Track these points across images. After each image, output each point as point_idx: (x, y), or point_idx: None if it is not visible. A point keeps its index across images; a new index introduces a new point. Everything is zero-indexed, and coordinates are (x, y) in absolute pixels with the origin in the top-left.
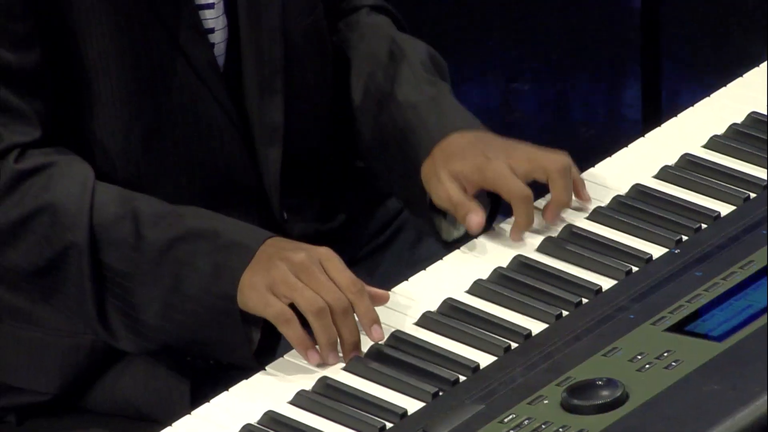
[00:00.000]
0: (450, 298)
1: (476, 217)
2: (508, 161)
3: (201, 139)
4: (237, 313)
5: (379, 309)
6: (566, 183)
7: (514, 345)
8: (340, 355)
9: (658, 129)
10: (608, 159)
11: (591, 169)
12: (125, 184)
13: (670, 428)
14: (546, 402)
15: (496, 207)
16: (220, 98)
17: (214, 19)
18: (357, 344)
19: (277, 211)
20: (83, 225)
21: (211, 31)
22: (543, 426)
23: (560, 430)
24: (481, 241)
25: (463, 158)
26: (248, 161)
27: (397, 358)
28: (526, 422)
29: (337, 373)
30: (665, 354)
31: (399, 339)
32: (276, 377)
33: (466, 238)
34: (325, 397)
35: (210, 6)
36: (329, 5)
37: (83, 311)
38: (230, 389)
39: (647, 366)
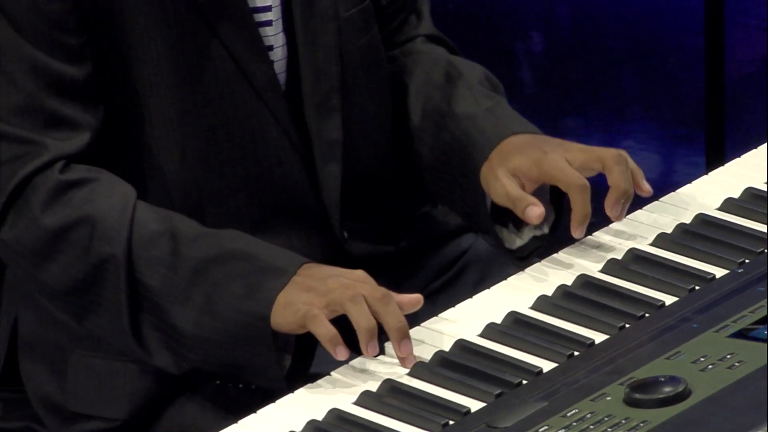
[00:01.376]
0: (514, 311)
1: (536, 209)
2: (565, 155)
3: (259, 157)
4: (269, 334)
5: (443, 323)
6: (623, 169)
7: (576, 353)
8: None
9: (721, 168)
10: (672, 193)
11: (656, 201)
12: (183, 203)
13: (730, 421)
14: (608, 398)
15: (559, 213)
16: (279, 116)
17: (273, 36)
18: (403, 329)
19: (337, 230)
20: (122, 239)
21: (270, 48)
22: (605, 419)
23: (622, 422)
24: (544, 264)
25: (520, 154)
26: (307, 180)
27: (461, 363)
28: (588, 416)
29: (401, 376)
30: (728, 356)
31: (462, 347)
32: (340, 381)
33: (529, 250)
34: (388, 397)
35: (269, 23)
36: (383, 32)
37: (118, 327)
38: (295, 391)
39: (710, 366)
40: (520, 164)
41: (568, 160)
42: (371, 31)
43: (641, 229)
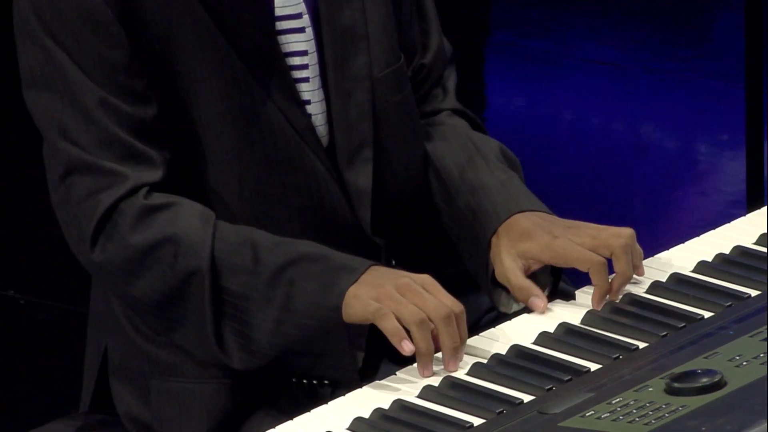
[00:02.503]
0: (565, 322)
1: (540, 301)
2: (574, 239)
3: (310, 190)
4: (342, 324)
5: (499, 332)
6: (629, 258)
7: (621, 357)
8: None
9: (712, 231)
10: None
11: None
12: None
13: (764, 405)
14: (650, 389)
15: (556, 282)
16: (321, 159)
17: (309, 92)
18: (457, 350)
19: (384, 258)
20: (206, 253)
21: (308, 102)
22: (647, 404)
23: (663, 406)
24: (582, 291)
25: (530, 239)
26: (350, 215)
27: (516, 363)
28: (632, 402)
29: (460, 374)
30: (761, 355)
31: (518, 351)
32: (404, 379)
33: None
34: (449, 391)
35: (305, 80)
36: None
37: (202, 335)
38: (362, 387)
39: (744, 363)
40: (529, 248)
41: (577, 244)
42: (405, 89)
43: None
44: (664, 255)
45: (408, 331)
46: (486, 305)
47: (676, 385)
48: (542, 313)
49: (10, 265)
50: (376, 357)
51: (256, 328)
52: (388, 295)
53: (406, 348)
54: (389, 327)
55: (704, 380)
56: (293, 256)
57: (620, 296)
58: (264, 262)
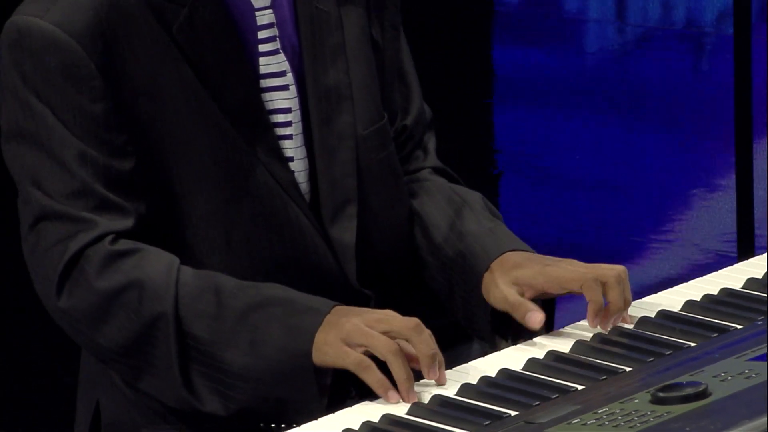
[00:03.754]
0: (553, 350)
1: (537, 314)
2: (566, 267)
3: (297, 244)
4: (311, 369)
5: (484, 362)
6: (621, 290)
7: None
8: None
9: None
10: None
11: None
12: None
13: (747, 414)
14: (636, 401)
15: (550, 313)
16: (305, 212)
17: (293, 149)
18: (434, 356)
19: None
20: (170, 297)
21: (291, 159)
22: (633, 412)
23: (648, 413)
24: (565, 329)
25: (522, 267)
26: (337, 268)
27: (504, 384)
28: (617, 411)
29: (449, 393)
30: (746, 371)
31: (507, 374)
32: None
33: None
34: (438, 407)
35: (289, 137)
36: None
37: (170, 379)
38: (352, 406)
39: (729, 378)
40: (523, 274)
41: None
42: (388, 147)
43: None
44: (651, 297)
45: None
46: (476, 354)
47: (661, 394)
48: (539, 327)
49: None
50: (340, 395)
51: (224, 371)
52: (357, 331)
53: (393, 398)
54: (374, 380)
55: (689, 390)
56: (256, 300)
57: (609, 328)
58: (227, 306)
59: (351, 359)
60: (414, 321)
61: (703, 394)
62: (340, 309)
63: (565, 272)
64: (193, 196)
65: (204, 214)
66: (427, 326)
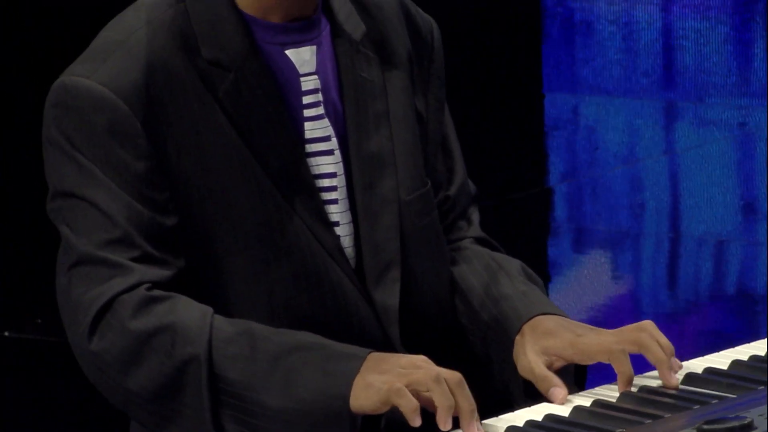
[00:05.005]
0: (599, 399)
1: (561, 390)
2: (597, 337)
3: (337, 303)
4: (348, 413)
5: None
6: (658, 345)
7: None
8: None
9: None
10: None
11: None
12: None
13: None
14: None
15: (582, 375)
16: (349, 277)
17: (338, 213)
18: (474, 412)
19: None
20: (203, 340)
21: (336, 224)
22: None
23: None
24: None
25: (553, 336)
26: (380, 332)
27: (550, 426)
28: None
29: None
30: None
31: (552, 418)
32: None
33: None
34: None
35: (334, 202)
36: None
37: (200, 424)
38: None
39: None
40: (553, 344)
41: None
42: (431, 213)
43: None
44: (698, 359)
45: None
46: None
47: (706, 427)
48: (562, 404)
49: None
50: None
51: (258, 415)
52: (396, 373)
53: (418, 421)
54: (405, 403)
55: (734, 423)
56: (291, 344)
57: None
58: (262, 349)
59: (385, 387)
60: (457, 374)
61: (748, 427)
62: (377, 354)
63: (594, 344)
64: (235, 256)
65: (245, 274)
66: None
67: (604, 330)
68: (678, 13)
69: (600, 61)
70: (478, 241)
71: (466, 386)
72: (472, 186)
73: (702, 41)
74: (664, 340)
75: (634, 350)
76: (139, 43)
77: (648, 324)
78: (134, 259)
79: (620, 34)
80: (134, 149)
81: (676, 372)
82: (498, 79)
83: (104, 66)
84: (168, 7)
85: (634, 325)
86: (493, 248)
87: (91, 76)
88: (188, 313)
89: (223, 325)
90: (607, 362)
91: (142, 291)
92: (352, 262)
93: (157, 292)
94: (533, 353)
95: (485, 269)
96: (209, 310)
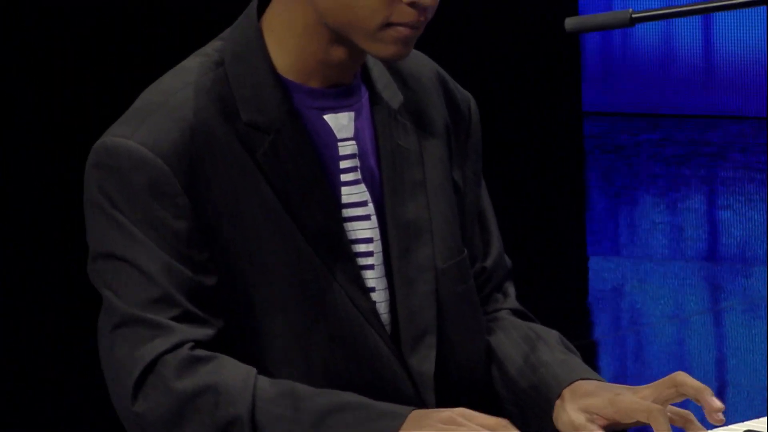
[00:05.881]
0: None
1: None
2: (636, 395)
3: (373, 368)
4: None
5: None
6: (693, 380)
7: None
8: None
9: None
10: None
11: None
12: None
13: None
14: None
15: None
16: (385, 342)
17: (374, 279)
18: None
19: None
20: (246, 401)
21: (373, 290)
22: None
23: None
24: None
25: (593, 396)
26: (415, 399)
27: None
28: None
29: None
30: None
31: None
32: None
33: None
34: None
35: (371, 267)
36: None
37: None
38: None
39: None
40: (593, 403)
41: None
42: (467, 281)
43: None
44: (738, 425)
45: None
46: None
47: None
48: None
49: None
50: None
51: None
52: (437, 428)
53: None
54: None
55: None
56: (334, 404)
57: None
58: (304, 410)
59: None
60: (503, 420)
61: None
62: (419, 411)
63: (633, 402)
64: (272, 317)
65: (282, 335)
66: None
67: (643, 388)
68: None
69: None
70: (515, 312)
71: (513, 427)
72: (507, 260)
73: None
74: (699, 382)
75: (672, 394)
76: (179, 105)
77: (681, 372)
78: (175, 319)
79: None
80: (174, 208)
81: (717, 410)
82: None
83: (144, 127)
84: (208, 71)
85: (664, 380)
86: (530, 320)
87: (131, 137)
88: (232, 373)
89: (267, 385)
90: (646, 421)
91: (185, 351)
92: (387, 328)
93: (200, 352)
94: (573, 411)
95: (523, 339)
96: (252, 370)
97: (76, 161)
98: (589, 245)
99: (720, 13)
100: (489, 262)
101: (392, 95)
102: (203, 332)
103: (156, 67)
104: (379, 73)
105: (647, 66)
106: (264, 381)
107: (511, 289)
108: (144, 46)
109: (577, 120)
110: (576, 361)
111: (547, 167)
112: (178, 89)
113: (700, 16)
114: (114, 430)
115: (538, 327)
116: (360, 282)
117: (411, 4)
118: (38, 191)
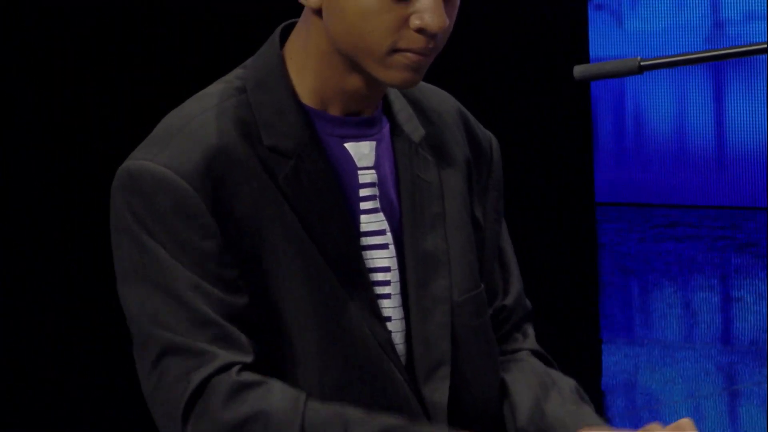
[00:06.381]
0: None
1: None
2: None
3: (386, 394)
4: None
5: None
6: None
7: None
8: None
9: None
10: None
11: None
12: None
13: None
14: None
15: None
16: (399, 370)
17: (391, 308)
18: None
19: None
20: (295, 427)
21: (389, 319)
22: None
23: None
24: None
25: None
26: (426, 424)
27: None
28: None
29: None
30: None
31: None
32: None
33: None
34: None
35: (387, 296)
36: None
37: None
38: None
39: None
40: None
41: None
42: (483, 315)
43: None
44: None
45: None
46: None
47: None
48: None
49: None
50: None
51: None
52: None
53: None
54: None
55: None
56: (384, 427)
57: None
58: None
59: None
60: None
61: None
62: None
63: None
64: (293, 336)
65: (301, 354)
66: None
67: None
68: None
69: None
70: (534, 353)
71: None
72: (528, 302)
73: None
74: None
75: None
76: (201, 128)
77: (687, 419)
78: (215, 340)
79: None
80: (201, 228)
81: None
82: None
83: (166, 150)
84: (230, 96)
85: (675, 422)
86: (549, 363)
87: (154, 159)
88: (280, 399)
89: (317, 410)
90: None
91: (232, 376)
92: (402, 358)
93: (247, 376)
94: None
95: (539, 383)
96: (302, 395)
97: (77, 161)
98: (602, 330)
99: (733, 107)
100: (509, 300)
101: (414, 129)
102: (246, 356)
103: (156, 67)
104: (400, 107)
105: (659, 155)
106: (314, 405)
107: (530, 330)
108: (144, 47)
109: (590, 208)
110: (587, 412)
111: (562, 263)
112: (200, 113)
113: (713, 113)
114: (114, 431)
115: (555, 374)
116: (376, 310)
117: (419, 30)
118: (38, 191)
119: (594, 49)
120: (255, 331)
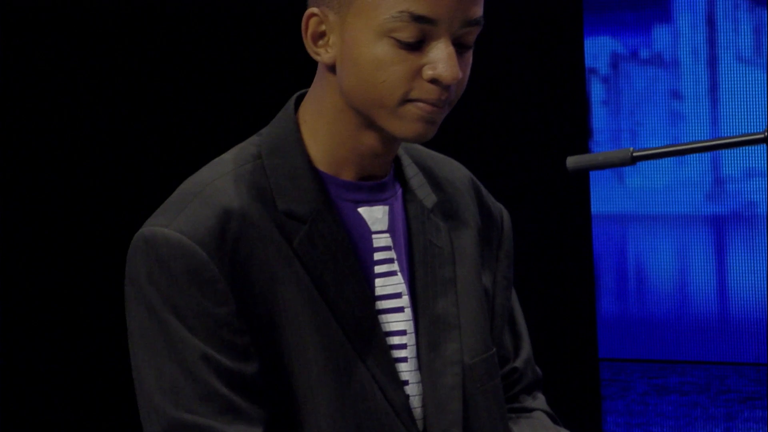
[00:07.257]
0: None
1: None
2: None
3: None
4: None
5: None
6: None
7: None
8: None
9: None
10: None
11: None
12: None
13: None
14: None
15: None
16: None
17: (408, 372)
18: None
19: None
20: None
21: (406, 383)
22: None
23: None
24: None
25: None
26: None
27: None
28: None
29: None
30: None
31: None
32: None
33: None
34: None
35: (404, 360)
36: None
37: None
38: None
39: None
40: None
41: None
42: (495, 378)
43: None
44: None
45: None
46: None
47: None
48: None
49: None
50: None
51: None
52: None
53: None
54: None
55: None
56: None
57: None
58: None
59: None
60: None
61: None
62: None
63: None
64: (305, 403)
65: (313, 421)
66: None
67: None
68: None
69: None
70: (549, 415)
71: None
72: (538, 369)
73: None
74: None
75: None
76: (216, 193)
77: None
78: (222, 415)
79: None
80: (214, 295)
81: None
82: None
83: (181, 215)
84: (245, 162)
85: None
86: (560, 425)
87: (169, 225)
88: None
89: None
90: None
91: None
92: (419, 422)
93: None
94: None
95: None
96: None
97: (77, 161)
98: None
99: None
100: (519, 363)
101: (426, 195)
102: (253, 426)
103: (156, 68)
104: (413, 173)
105: (661, 314)
106: None
107: (540, 395)
108: (144, 46)
109: (593, 364)
110: None
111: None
112: (216, 178)
113: (714, 275)
114: (114, 430)
115: (561, 430)
116: (394, 374)
117: (432, 81)
118: (38, 192)
119: (596, 206)
120: (266, 398)
